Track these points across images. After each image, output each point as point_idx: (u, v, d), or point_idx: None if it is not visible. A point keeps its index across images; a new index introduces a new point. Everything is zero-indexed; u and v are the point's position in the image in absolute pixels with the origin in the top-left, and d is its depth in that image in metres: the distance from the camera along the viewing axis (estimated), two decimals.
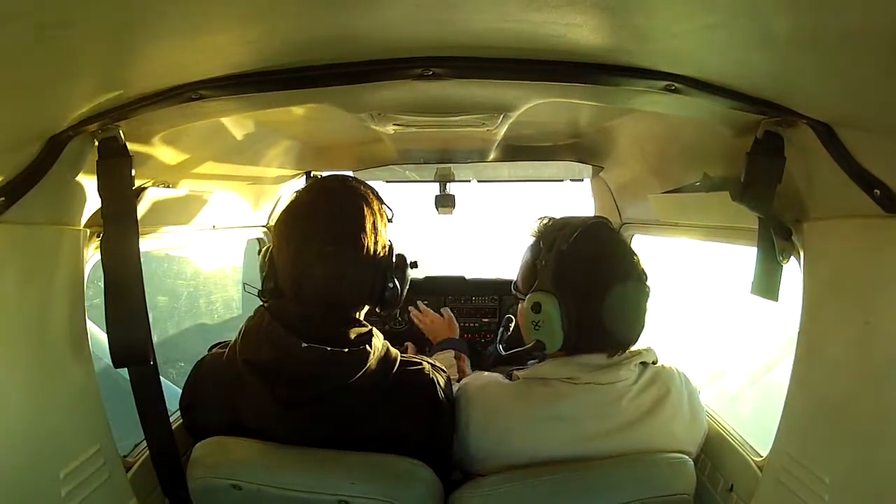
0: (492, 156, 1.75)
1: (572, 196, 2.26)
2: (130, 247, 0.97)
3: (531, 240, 1.19)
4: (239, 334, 1.06)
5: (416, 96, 1.01)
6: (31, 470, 0.85)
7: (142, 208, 1.07)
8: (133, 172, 0.95)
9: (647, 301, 1.10)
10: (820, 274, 0.93)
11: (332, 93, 0.94)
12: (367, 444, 0.99)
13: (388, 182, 2.08)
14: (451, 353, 1.68)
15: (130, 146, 0.94)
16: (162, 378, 1.06)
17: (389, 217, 1.15)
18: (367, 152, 1.78)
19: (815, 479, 0.88)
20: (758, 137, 0.90)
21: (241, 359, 1.02)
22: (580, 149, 1.76)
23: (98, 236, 0.98)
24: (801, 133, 0.86)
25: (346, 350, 0.99)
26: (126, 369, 1.01)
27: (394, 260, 1.12)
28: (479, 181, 2.14)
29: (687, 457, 1.05)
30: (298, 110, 1.23)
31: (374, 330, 1.07)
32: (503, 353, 1.28)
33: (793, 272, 1.01)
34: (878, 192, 0.77)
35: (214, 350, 1.15)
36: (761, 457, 1.10)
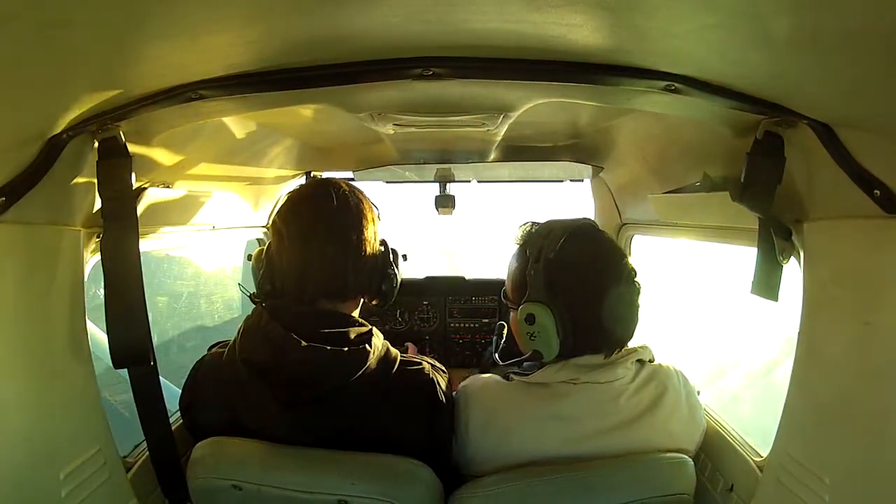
0: (492, 156, 1.75)
1: (572, 196, 2.26)
2: (130, 247, 0.97)
3: (516, 247, 1.20)
4: (238, 334, 1.06)
5: (416, 96, 1.01)
6: (32, 470, 0.85)
7: (142, 208, 1.07)
8: (133, 172, 0.95)
9: (638, 298, 1.11)
10: (820, 274, 0.93)
11: (332, 93, 0.94)
12: (367, 443, 0.99)
13: (388, 182, 2.08)
14: None
15: (130, 146, 0.94)
16: (162, 378, 1.06)
17: (378, 215, 1.18)
18: (368, 152, 1.78)
19: (815, 479, 0.88)
20: (758, 138, 0.90)
21: (241, 358, 1.02)
22: (580, 149, 1.75)
23: (98, 236, 0.98)
24: (801, 133, 0.86)
25: (346, 349, 0.99)
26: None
27: (390, 253, 1.16)
28: (479, 181, 2.14)
29: (687, 457, 1.05)
30: (298, 110, 1.23)
31: (374, 329, 1.07)
32: (500, 362, 1.29)
33: (793, 272, 1.01)
34: (878, 192, 0.77)
35: (214, 350, 1.15)
36: (761, 457, 1.10)
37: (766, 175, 0.92)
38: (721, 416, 1.29)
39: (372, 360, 1.01)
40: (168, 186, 1.21)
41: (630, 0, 0.60)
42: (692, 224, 1.49)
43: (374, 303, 1.17)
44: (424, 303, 2.26)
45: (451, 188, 2.06)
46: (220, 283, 3.24)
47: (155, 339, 1.04)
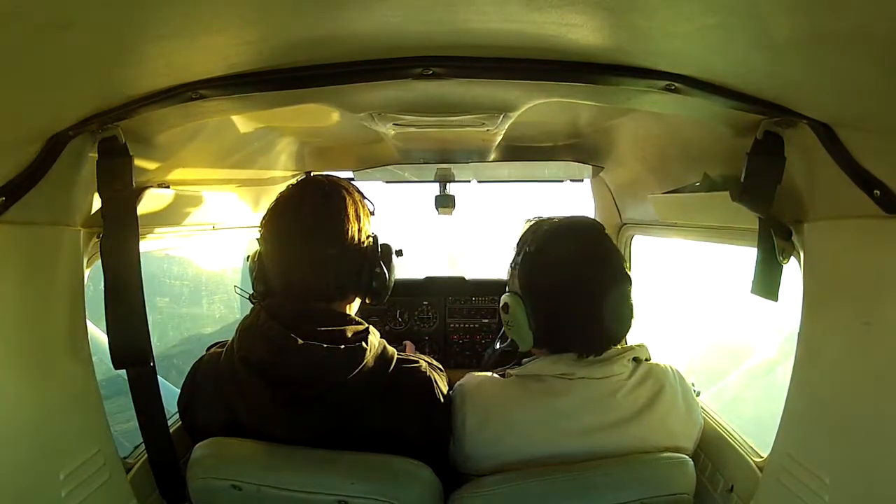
0: (492, 156, 1.75)
1: (573, 196, 2.26)
2: (130, 247, 0.97)
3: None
4: (236, 333, 1.06)
5: (416, 96, 1.01)
6: (31, 471, 0.85)
7: (142, 208, 1.07)
8: (133, 172, 0.95)
9: (626, 298, 1.10)
10: (820, 274, 0.93)
11: (332, 92, 0.94)
12: (365, 441, 1.00)
13: (387, 182, 2.07)
14: None
15: (130, 146, 0.94)
16: (161, 379, 1.06)
17: (371, 210, 1.17)
18: (368, 152, 1.78)
19: (815, 479, 0.88)
20: (758, 137, 0.90)
21: (239, 357, 1.02)
22: (580, 149, 1.76)
23: (98, 236, 0.98)
24: (801, 133, 0.86)
25: (343, 347, 0.99)
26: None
27: (379, 249, 1.13)
28: (479, 181, 2.13)
29: (687, 457, 1.05)
30: (298, 110, 1.23)
31: (371, 328, 1.07)
32: (497, 347, 1.31)
33: (793, 272, 1.01)
34: (878, 192, 0.77)
35: (212, 350, 1.15)
36: (761, 457, 1.10)
37: (766, 175, 0.92)
38: (721, 415, 1.29)
39: (368, 357, 1.01)
40: (168, 186, 1.21)
41: (630, 0, 0.60)
42: (692, 224, 1.49)
43: (368, 300, 1.15)
44: (424, 303, 2.26)
45: (451, 188, 2.06)
46: (221, 283, 3.24)
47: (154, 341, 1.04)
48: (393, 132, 1.30)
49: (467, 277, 2.32)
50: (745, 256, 1.12)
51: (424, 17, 0.67)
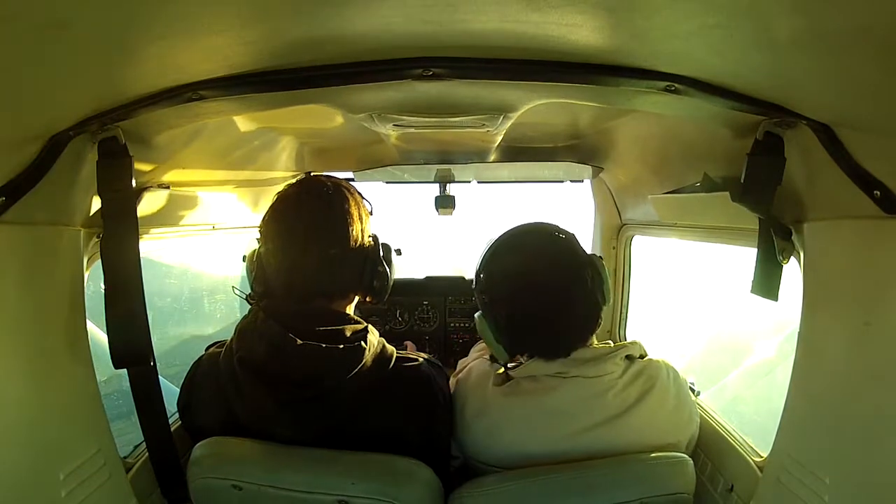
0: (492, 157, 1.75)
1: (573, 197, 2.26)
2: (130, 247, 0.97)
3: None
4: (235, 333, 1.06)
5: (416, 97, 1.01)
6: (31, 471, 0.85)
7: (142, 208, 1.07)
8: (133, 172, 0.95)
9: (586, 290, 1.10)
10: (820, 274, 0.93)
11: (331, 93, 0.94)
12: (365, 439, 1.00)
13: (388, 183, 2.07)
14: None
15: (130, 146, 0.94)
16: (161, 378, 1.06)
17: (370, 210, 1.17)
18: (368, 153, 1.78)
19: (815, 479, 0.88)
20: (758, 138, 0.90)
21: (237, 357, 1.01)
22: (580, 150, 1.76)
23: (98, 236, 0.98)
24: (801, 134, 0.86)
25: (342, 346, 0.99)
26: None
27: (379, 249, 1.14)
28: (479, 182, 2.14)
29: (687, 456, 1.05)
30: (298, 111, 1.23)
31: (370, 327, 1.07)
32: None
33: (793, 272, 1.01)
34: (878, 193, 0.77)
35: (211, 350, 1.15)
36: (761, 457, 1.10)
37: (766, 175, 0.92)
38: (721, 415, 1.29)
39: (368, 357, 1.01)
40: (168, 187, 1.21)
41: (630, 0, 0.60)
42: (692, 224, 1.49)
43: (367, 300, 1.15)
44: (424, 303, 2.26)
45: (452, 189, 2.06)
46: (221, 283, 3.24)
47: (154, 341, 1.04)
48: (393, 133, 1.30)
49: (467, 277, 2.32)
50: (746, 256, 1.12)
51: (424, 17, 0.67)
